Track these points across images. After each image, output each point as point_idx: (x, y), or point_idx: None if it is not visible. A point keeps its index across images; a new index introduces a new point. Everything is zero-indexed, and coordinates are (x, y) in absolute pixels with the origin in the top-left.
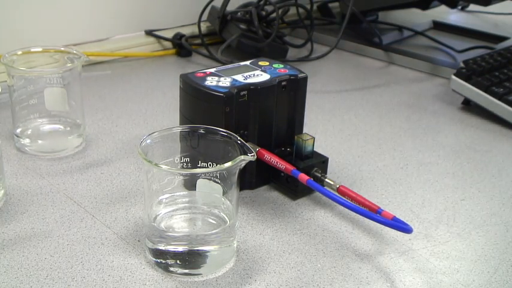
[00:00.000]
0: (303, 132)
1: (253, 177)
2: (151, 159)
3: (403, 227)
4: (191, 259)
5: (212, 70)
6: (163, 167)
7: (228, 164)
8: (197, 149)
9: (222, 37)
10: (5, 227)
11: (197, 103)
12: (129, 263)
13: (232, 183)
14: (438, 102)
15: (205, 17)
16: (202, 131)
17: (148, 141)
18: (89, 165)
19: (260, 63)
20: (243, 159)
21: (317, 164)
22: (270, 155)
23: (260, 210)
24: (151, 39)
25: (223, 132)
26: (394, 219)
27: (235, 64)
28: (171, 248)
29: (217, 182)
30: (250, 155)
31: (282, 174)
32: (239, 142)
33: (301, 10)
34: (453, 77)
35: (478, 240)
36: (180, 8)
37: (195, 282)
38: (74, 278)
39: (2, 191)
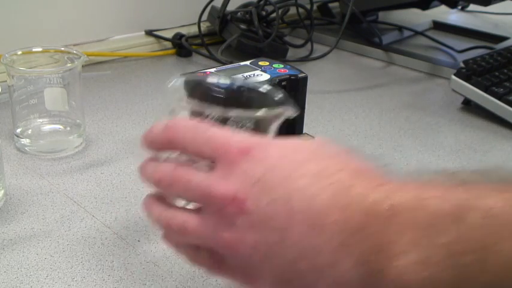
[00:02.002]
0: (303, 132)
1: None
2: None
3: None
4: None
5: (212, 70)
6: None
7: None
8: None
9: (222, 37)
10: (5, 227)
11: None
12: (129, 263)
13: None
14: (438, 102)
15: (205, 17)
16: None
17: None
18: (89, 165)
19: (260, 63)
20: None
21: None
22: None
23: None
24: (151, 39)
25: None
26: None
27: (235, 64)
28: None
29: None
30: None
31: None
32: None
33: (301, 10)
34: (453, 77)
35: None
36: (180, 8)
37: (195, 282)
38: (74, 278)
39: (2, 191)
